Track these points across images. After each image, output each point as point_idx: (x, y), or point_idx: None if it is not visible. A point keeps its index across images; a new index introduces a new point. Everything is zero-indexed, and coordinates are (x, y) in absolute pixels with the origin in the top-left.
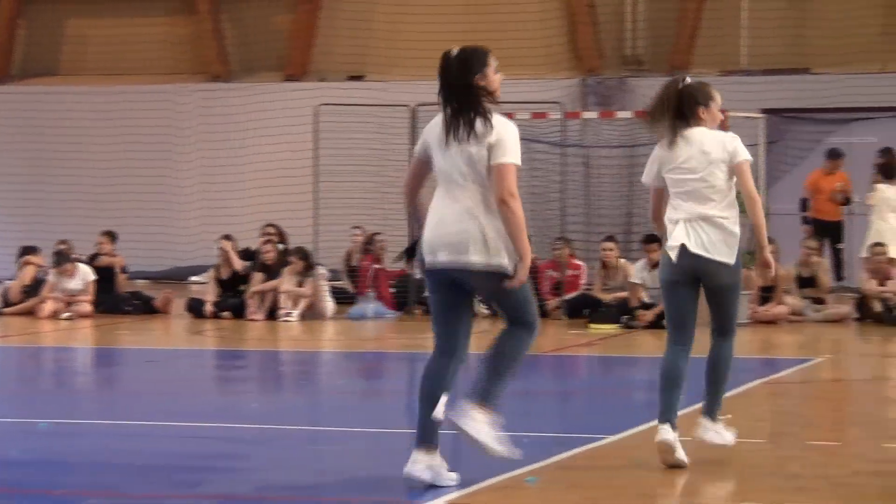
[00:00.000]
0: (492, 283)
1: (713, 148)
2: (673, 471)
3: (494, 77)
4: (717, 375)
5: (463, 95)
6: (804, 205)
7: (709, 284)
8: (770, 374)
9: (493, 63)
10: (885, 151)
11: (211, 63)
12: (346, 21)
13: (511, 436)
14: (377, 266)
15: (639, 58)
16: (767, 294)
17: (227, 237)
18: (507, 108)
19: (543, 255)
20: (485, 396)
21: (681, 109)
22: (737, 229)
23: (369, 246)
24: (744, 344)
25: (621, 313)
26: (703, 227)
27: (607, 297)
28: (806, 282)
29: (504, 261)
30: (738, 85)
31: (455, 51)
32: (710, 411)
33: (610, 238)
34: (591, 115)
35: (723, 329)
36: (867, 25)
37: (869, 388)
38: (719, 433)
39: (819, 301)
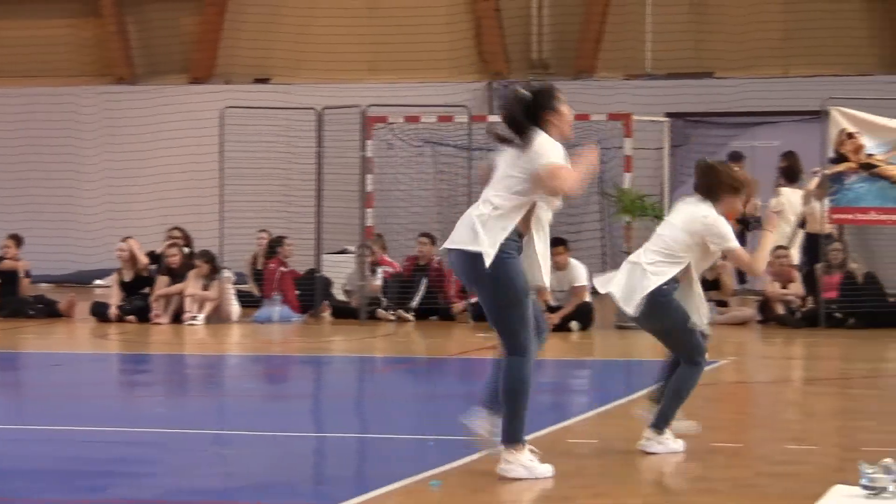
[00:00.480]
0: None
1: None
2: (576, 474)
3: None
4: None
5: None
6: None
7: None
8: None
9: None
10: (788, 155)
11: (115, 65)
12: (252, 24)
13: (417, 439)
14: (283, 269)
15: (545, 62)
16: None
17: (129, 237)
18: (413, 111)
19: None
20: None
21: None
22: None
23: (276, 249)
24: (647, 346)
25: None
26: None
27: None
28: (710, 285)
29: None
30: (642, 89)
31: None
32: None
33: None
34: (497, 118)
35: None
36: (769, 30)
37: (772, 390)
38: (663, 443)
39: (723, 304)
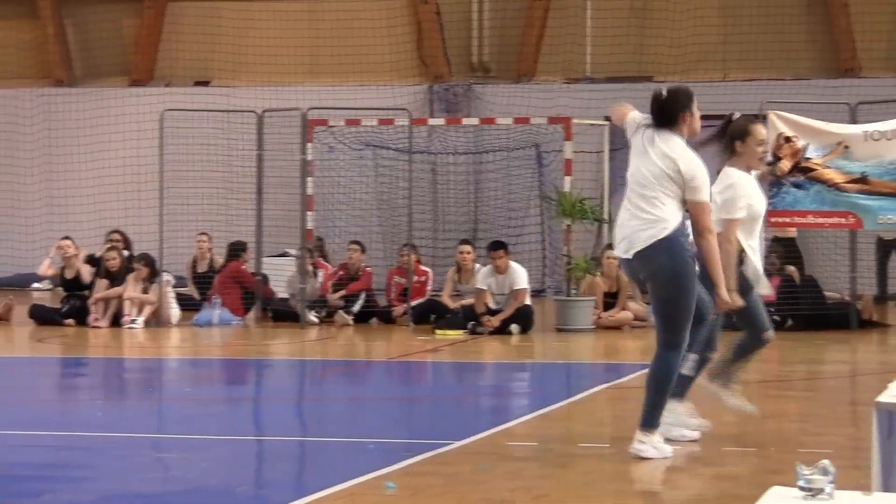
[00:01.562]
0: None
1: None
2: (515, 476)
3: None
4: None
5: None
6: None
7: None
8: (614, 379)
9: None
10: None
11: (54, 68)
12: (192, 27)
13: (358, 442)
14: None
15: (485, 65)
16: (611, 300)
17: (67, 237)
18: (354, 114)
19: (390, 261)
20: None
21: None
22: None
23: (239, 253)
24: (587, 349)
25: (467, 319)
26: None
27: (454, 304)
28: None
29: None
30: (582, 93)
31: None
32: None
33: (466, 241)
34: (437, 121)
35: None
36: (707, 35)
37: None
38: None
39: None
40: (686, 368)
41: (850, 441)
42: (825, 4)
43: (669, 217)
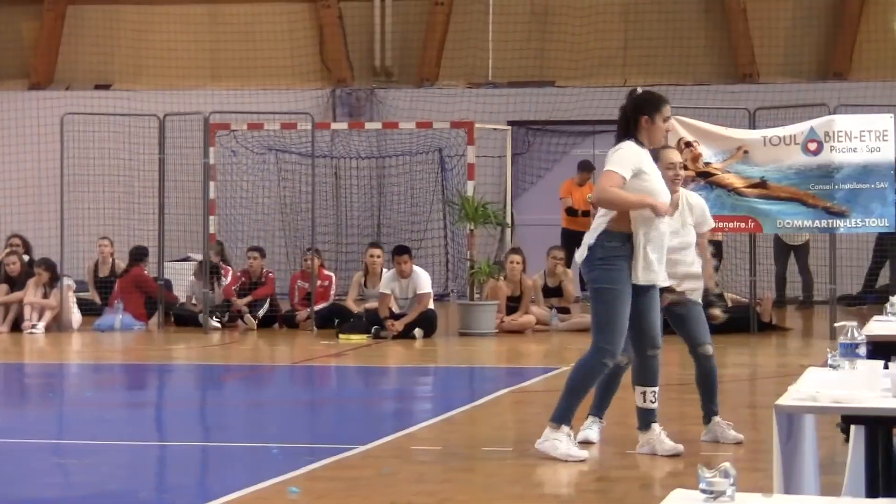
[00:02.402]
0: None
1: None
2: (419, 480)
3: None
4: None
5: None
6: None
7: None
8: (516, 383)
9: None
10: None
11: None
12: (92, 29)
13: (261, 447)
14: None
15: (388, 69)
16: (514, 304)
17: None
18: (257, 118)
19: (294, 265)
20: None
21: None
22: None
23: (142, 258)
24: (491, 353)
25: (371, 323)
26: None
27: (358, 308)
28: (552, 291)
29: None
30: (484, 97)
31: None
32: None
33: (375, 244)
34: (340, 126)
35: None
36: (608, 40)
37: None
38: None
39: (564, 311)
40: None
41: (751, 444)
42: (723, 10)
43: (599, 224)
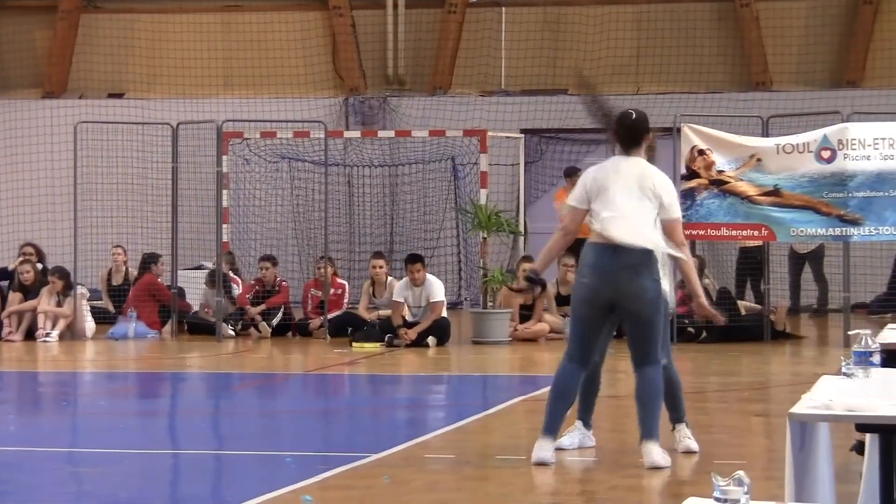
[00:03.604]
0: None
1: None
2: (432, 489)
3: None
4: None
5: None
6: None
7: None
8: (530, 392)
9: None
10: None
11: None
12: (105, 38)
13: (274, 455)
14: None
15: (401, 78)
16: (527, 312)
17: None
18: (269, 126)
19: (307, 273)
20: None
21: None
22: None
23: (150, 265)
24: (504, 362)
25: (384, 332)
26: None
27: (371, 316)
28: (564, 299)
29: None
30: (497, 105)
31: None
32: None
33: (378, 254)
34: (353, 134)
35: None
36: (621, 48)
37: (625, 404)
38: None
39: None
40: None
41: (764, 452)
42: (736, 18)
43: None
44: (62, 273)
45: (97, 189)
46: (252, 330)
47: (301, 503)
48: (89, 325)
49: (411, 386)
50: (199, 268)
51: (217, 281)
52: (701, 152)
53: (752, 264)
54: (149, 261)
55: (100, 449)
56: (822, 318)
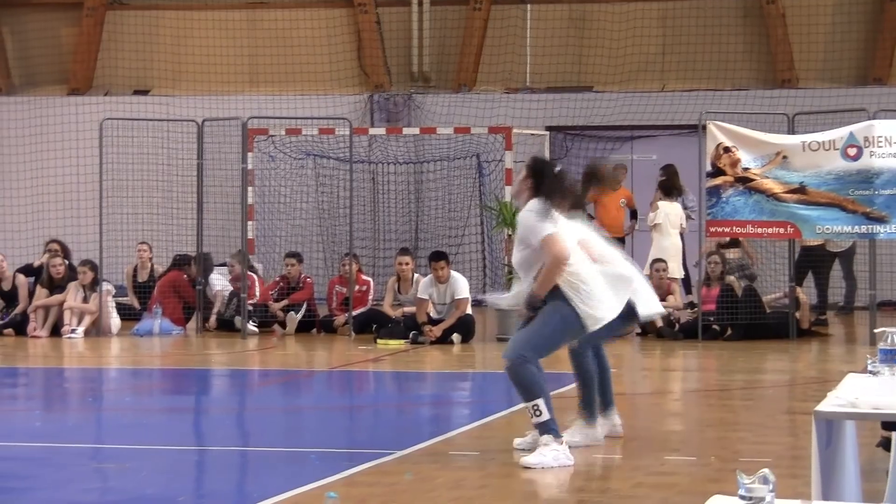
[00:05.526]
0: None
1: None
2: (456, 486)
3: None
4: None
5: None
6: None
7: None
8: (553, 389)
9: None
10: (666, 169)
11: None
12: (131, 35)
13: (299, 452)
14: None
15: (425, 75)
16: None
17: None
18: (294, 123)
19: (331, 270)
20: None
21: None
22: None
23: (182, 265)
24: None
25: (409, 329)
26: None
27: (395, 313)
28: None
29: None
30: (522, 102)
31: None
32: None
33: (405, 251)
34: (378, 131)
35: None
36: (646, 45)
37: (650, 401)
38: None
39: None
40: None
41: (790, 450)
42: (762, 16)
43: None
44: (92, 265)
45: (122, 186)
46: (275, 326)
47: (326, 500)
48: (114, 321)
49: (436, 383)
50: (223, 265)
51: (242, 278)
52: (727, 149)
53: (814, 262)
54: (181, 262)
55: (126, 445)
56: (849, 315)
